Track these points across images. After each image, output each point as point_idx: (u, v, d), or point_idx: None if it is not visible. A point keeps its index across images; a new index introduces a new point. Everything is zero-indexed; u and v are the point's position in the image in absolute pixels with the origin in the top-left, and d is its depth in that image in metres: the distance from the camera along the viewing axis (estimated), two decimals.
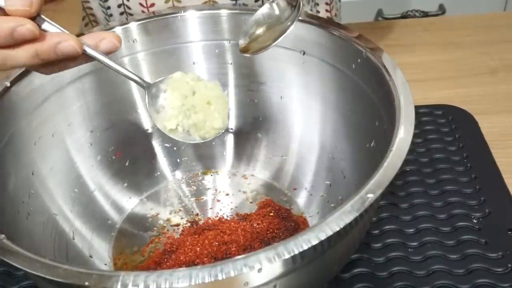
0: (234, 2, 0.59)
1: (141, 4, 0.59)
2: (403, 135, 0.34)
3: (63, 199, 0.45)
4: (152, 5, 0.58)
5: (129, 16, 0.60)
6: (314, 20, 0.46)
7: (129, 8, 0.60)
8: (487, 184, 0.49)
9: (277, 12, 0.43)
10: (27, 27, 0.32)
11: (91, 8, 0.64)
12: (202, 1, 0.57)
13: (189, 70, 0.51)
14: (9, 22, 0.32)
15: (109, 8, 0.61)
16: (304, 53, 0.48)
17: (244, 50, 0.43)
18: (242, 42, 0.43)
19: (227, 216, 0.48)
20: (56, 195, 0.45)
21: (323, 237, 0.28)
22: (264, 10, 0.43)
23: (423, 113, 0.57)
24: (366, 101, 0.43)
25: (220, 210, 0.49)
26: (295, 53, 0.48)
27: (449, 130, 0.55)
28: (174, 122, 0.39)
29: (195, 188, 0.51)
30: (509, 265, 0.42)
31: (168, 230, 0.47)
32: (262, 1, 0.69)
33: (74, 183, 0.47)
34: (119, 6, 0.61)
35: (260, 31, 0.43)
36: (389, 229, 0.46)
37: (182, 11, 0.50)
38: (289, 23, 0.41)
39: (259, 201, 0.49)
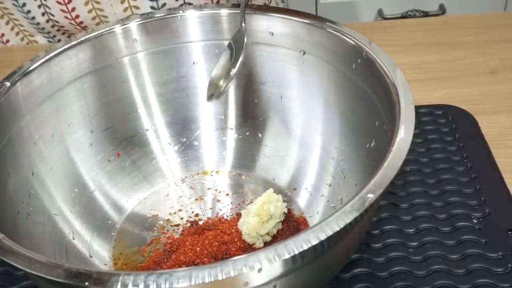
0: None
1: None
2: (403, 135, 0.34)
3: (63, 199, 0.45)
4: None
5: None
6: (314, 20, 0.46)
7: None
8: (487, 184, 0.49)
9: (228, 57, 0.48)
10: None
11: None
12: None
13: (189, 70, 0.52)
14: None
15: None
16: (304, 53, 0.48)
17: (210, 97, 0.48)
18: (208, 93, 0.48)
19: (227, 216, 0.48)
20: (56, 195, 0.45)
21: (323, 237, 0.28)
22: (220, 61, 0.48)
23: (423, 113, 0.57)
24: (366, 101, 0.43)
25: (220, 210, 0.49)
26: (295, 53, 0.48)
27: (449, 130, 0.55)
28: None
29: (195, 188, 0.51)
30: (509, 265, 0.42)
31: (168, 230, 0.47)
32: (270, 2, 0.70)
33: (74, 183, 0.47)
34: None
35: (221, 80, 0.48)
36: (389, 229, 0.46)
37: (182, 11, 0.50)
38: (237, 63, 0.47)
39: None
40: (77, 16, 0.66)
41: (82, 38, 0.47)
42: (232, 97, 0.53)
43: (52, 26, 0.69)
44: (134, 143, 0.52)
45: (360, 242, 0.40)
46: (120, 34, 0.49)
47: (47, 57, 0.45)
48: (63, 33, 0.71)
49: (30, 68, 0.44)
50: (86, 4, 0.65)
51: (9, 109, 0.42)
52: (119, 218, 0.48)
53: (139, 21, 0.49)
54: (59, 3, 0.65)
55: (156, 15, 0.50)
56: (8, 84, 0.42)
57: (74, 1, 0.64)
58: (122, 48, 0.49)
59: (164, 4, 0.64)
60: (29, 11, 0.67)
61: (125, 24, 0.49)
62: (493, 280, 0.41)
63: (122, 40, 0.49)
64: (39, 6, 0.66)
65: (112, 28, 0.48)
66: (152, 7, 0.64)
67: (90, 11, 0.65)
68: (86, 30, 0.48)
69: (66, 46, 0.46)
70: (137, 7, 0.64)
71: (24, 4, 0.66)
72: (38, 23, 0.68)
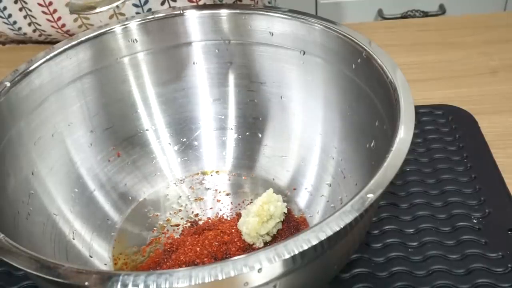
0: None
1: None
2: (403, 135, 0.34)
3: (63, 199, 0.45)
4: None
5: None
6: (314, 20, 0.46)
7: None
8: (487, 184, 0.49)
9: None
10: None
11: None
12: None
13: (189, 70, 0.52)
14: None
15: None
16: (304, 53, 0.48)
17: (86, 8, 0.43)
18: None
19: (227, 216, 0.48)
20: (56, 195, 0.45)
21: (323, 237, 0.28)
22: None
23: (423, 113, 0.57)
24: (366, 101, 0.43)
25: (220, 210, 0.49)
26: (295, 53, 0.48)
27: (449, 130, 0.55)
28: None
29: (195, 188, 0.51)
30: (509, 265, 0.42)
31: (168, 230, 0.47)
32: (257, 2, 0.70)
33: (74, 183, 0.47)
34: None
35: None
36: (389, 229, 0.46)
37: (182, 11, 0.50)
38: None
39: None
40: (63, 25, 0.66)
41: (82, 38, 0.47)
42: (232, 97, 0.53)
43: (40, 35, 0.69)
44: (134, 143, 0.52)
45: (360, 242, 0.40)
46: (120, 34, 0.49)
47: (47, 57, 0.45)
48: (50, 41, 0.71)
49: (30, 68, 0.44)
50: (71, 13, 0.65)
51: (9, 109, 0.42)
52: (119, 218, 0.48)
53: (139, 21, 0.49)
54: (44, 13, 0.65)
55: (156, 15, 0.50)
56: (8, 84, 0.42)
57: (59, 10, 0.64)
58: (122, 48, 0.49)
59: (149, 9, 0.64)
60: (15, 22, 0.67)
61: (125, 24, 0.49)
62: (493, 280, 0.41)
63: (122, 40, 0.49)
64: (25, 17, 0.66)
65: (112, 28, 0.48)
66: (137, 13, 0.64)
67: (75, 20, 0.66)
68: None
69: (66, 46, 0.46)
70: (122, 14, 0.64)
71: (10, 15, 0.66)
72: (25, 33, 0.69)
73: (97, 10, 0.43)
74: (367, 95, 0.42)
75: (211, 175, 0.52)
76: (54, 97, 0.46)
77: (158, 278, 0.27)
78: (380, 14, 1.42)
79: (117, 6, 0.43)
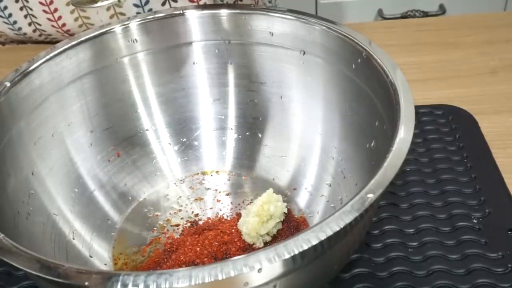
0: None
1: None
2: (403, 135, 0.34)
3: (63, 199, 0.46)
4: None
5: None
6: (314, 20, 0.46)
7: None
8: (487, 184, 0.49)
9: None
10: None
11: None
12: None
13: (189, 70, 0.52)
14: None
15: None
16: (304, 53, 0.48)
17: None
18: None
19: (227, 216, 0.48)
20: (56, 195, 0.45)
21: (323, 237, 0.28)
22: None
23: (423, 113, 0.57)
24: (366, 101, 0.43)
25: (220, 210, 0.49)
26: (295, 53, 0.48)
27: (449, 130, 0.55)
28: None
29: (195, 188, 0.51)
30: (509, 265, 0.42)
31: (168, 230, 0.47)
32: (257, 2, 0.70)
33: (74, 183, 0.47)
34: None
35: None
36: (389, 229, 0.46)
37: (182, 11, 0.50)
38: None
39: None
40: (64, 25, 0.66)
41: (82, 38, 0.47)
42: (232, 97, 0.53)
43: (40, 35, 0.69)
44: (134, 143, 0.52)
45: (360, 242, 0.40)
46: (120, 34, 0.49)
47: (47, 57, 0.45)
48: (50, 41, 0.71)
49: (30, 68, 0.44)
50: (72, 12, 0.65)
51: (9, 109, 0.42)
52: (119, 218, 0.48)
53: (139, 21, 0.49)
54: (45, 12, 0.65)
55: (156, 15, 0.50)
56: (8, 84, 0.42)
57: (60, 10, 0.65)
58: (122, 48, 0.49)
59: (150, 10, 0.64)
60: (15, 22, 0.67)
61: (125, 24, 0.49)
62: (493, 280, 0.41)
63: (122, 40, 0.49)
64: (25, 16, 0.66)
65: (112, 28, 0.48)
66: (138, 13, 0.64)
67: (76, 19, 0.66)
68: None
69: (66, 46, 0.46)
70: (122, 14, 0.64)
71: (10, 15, 0.66)
72: (25, 33, 0.69)
73: (99, 3, 0.43)
74: (367, 95, 0.42)
75: (211, 175, 0.52)
76: (54, 97, 0.46)
77: (158, 278, 0.27)
78: (380, 14, 1.43)
79: (119, 0, 0.43)
